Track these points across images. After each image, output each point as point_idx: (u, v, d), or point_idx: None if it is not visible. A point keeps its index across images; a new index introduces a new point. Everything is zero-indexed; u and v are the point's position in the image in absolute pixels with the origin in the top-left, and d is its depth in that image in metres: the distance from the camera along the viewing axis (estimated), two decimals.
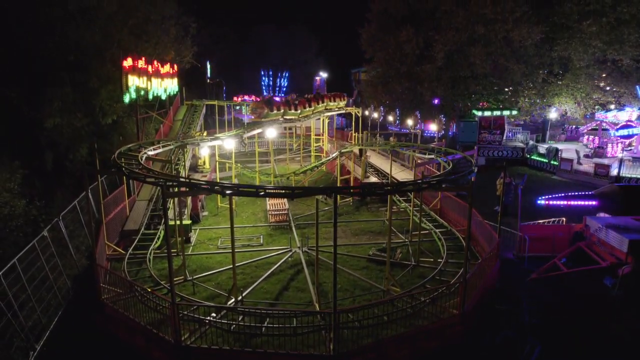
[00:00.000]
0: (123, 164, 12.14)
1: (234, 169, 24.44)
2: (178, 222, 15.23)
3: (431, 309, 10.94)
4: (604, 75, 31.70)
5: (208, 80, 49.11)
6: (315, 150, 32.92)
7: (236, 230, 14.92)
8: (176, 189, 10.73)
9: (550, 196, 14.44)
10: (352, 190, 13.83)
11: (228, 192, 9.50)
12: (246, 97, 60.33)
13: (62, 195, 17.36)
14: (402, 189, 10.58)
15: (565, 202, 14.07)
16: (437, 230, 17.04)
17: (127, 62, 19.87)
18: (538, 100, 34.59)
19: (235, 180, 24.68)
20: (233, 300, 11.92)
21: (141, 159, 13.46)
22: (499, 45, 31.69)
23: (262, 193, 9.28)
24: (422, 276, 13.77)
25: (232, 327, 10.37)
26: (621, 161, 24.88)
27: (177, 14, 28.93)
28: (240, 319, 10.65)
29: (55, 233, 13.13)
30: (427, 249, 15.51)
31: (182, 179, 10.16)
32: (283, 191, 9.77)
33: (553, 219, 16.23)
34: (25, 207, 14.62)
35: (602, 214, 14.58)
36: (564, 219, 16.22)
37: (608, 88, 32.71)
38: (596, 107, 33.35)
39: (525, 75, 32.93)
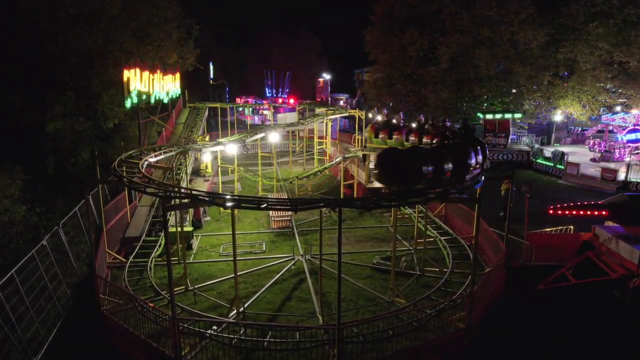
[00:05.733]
0: (124, 172, 11.97)
1: (236, 173, 24.26)
2: (179, 229, 15.04)
3: (437, 322, 10.73)
4: (610, 77, 31.31)
5: (211, 82, 48.98)
6: (318, 152, 32.70)
7: (238, 236, 14.73)
8: (177, 201, 10.54)
9: (557, 205, 14.12)
10: (356, 203, 13.57)
11: (229, 204, 9.32)
12: (249, 99, 60.22)
13: (63, 201, 17.18)
14: (408, 201, 10.34)
15: (573, 213, 13.75)
16: (442, 238, 16.80)
17: (129, 67, 19.72)
18: (543, 103, 34.25)
19: (237, 184, 24.51)
20: (235, 311, 11.73)
21: (142, 167, 13.26)
22: (504, 48, 31.39)
23: (264, 205, 9.07)
24: (427, 286, 13.54)
25: (233, 341, 10.19)
26: (629, 165, 24.55)
27: (179, 16, 28.71)
28: (242, 332, 10.47)
29: (55, 240, 12.96)
30: (432, 257, 15.26)
31: (182, 190, 9.94)
32: (286, 204, 9.57)
33: (560, 227, 15.95)
34: (26, 214, 14.45)
35: (610, 223, 14.27)
36: (572, 227, 15.92)
37: (615, 90, 32.33)
38: (602, 109, 32.97)
39: (530, 78, 32.60)
